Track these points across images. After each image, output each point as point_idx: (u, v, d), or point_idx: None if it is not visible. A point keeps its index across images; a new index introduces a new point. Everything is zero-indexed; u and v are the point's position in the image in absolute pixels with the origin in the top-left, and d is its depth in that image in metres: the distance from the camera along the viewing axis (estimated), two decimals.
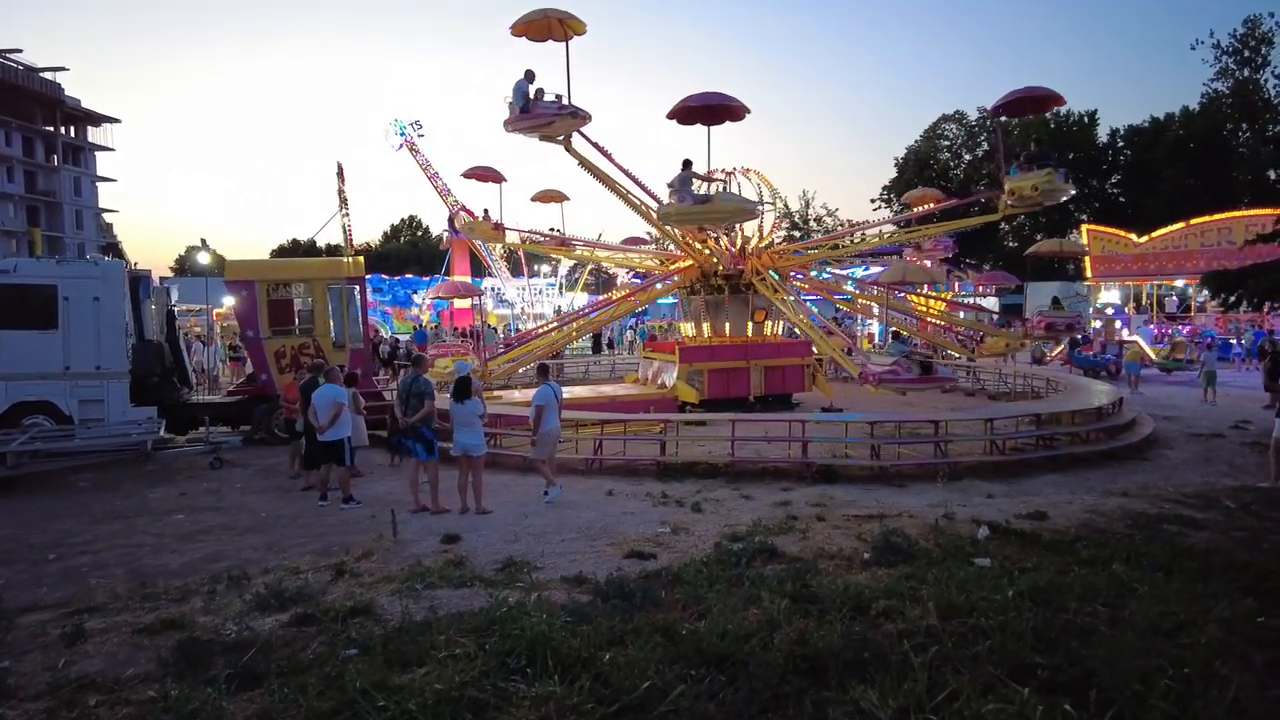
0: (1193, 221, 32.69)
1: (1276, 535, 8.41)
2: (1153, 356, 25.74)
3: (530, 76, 15.39)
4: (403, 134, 47.31)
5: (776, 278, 18.98)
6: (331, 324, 15.54)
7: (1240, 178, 46.42)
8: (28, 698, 4.67)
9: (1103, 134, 60.16)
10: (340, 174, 32.86)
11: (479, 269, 49.46)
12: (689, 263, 19.69)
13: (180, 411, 15.26)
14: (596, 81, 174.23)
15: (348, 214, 36.32)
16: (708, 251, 19.20)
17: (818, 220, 66.56)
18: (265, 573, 7.43)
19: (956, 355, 21.46)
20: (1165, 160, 52.83)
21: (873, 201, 65.62)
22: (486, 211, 21.69)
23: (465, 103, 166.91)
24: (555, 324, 22.91)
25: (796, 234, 63.86)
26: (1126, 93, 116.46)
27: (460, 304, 39.90)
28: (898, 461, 11.72)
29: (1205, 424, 16.42)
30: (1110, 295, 32.66)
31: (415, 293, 47.31)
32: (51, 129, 60.09)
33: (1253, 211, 30.94)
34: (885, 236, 27.36)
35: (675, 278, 20.53)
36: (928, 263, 24.56)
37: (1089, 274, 35.62)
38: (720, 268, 18.95)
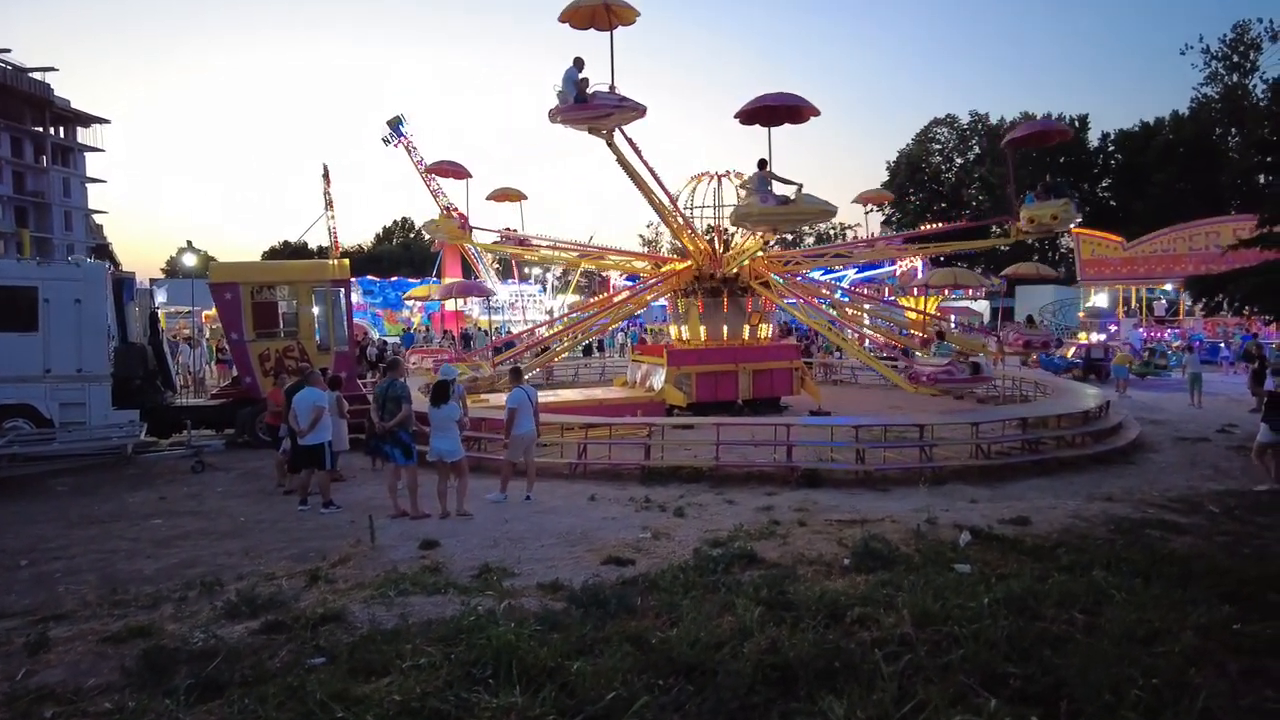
0: (1181, 226, 32.84)
1: (1259, 540, 8.40)
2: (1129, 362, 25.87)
3: (579, 64, 14.64)
4: (399, 132, 47.35)
5: (780, 282, 19.06)
6: (317, 327, 15.46)
7: (1229, 182, 46.69)
8: None
9: (1094, 138, 60.47)
10: (326, 176, 32.74)
11: (471, 272, 49.34)
12: (684, 265, 19.66)
13: (163, 414, 15.15)
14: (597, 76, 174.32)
15: (333, 216, 36.21)
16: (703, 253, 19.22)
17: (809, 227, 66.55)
18: (239, 579, 7.35)
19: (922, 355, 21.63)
20: (1155, 164, 53.13)
21: (865, 205, 65.67)
22: (451, 209, 21.31)
23: (464, 102, 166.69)
24: (564, 327, 22.70)
25: (789, 238, 63.92)
26: (1117, 97, 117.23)
27: (451, 307, 39.78)
28: (883, 466, 11.70)
29: (1192, 428, 16.46)
30: (1099, 299, 32.73)
31: (406, 294, 47.17)
32: (40, 129, 59.68)
33: (1240, 216, 31.12)
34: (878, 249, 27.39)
35: (663, 279, 20.50)
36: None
37: (1079, 278, 35.73)
38: (722, 272, 18.92)
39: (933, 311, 27.66)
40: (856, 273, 36.41)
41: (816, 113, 16.23)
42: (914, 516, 9.20)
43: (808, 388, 19.22)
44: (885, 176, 64.48)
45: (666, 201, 18.06)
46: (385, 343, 27.86)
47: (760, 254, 20.02)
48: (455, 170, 20.64)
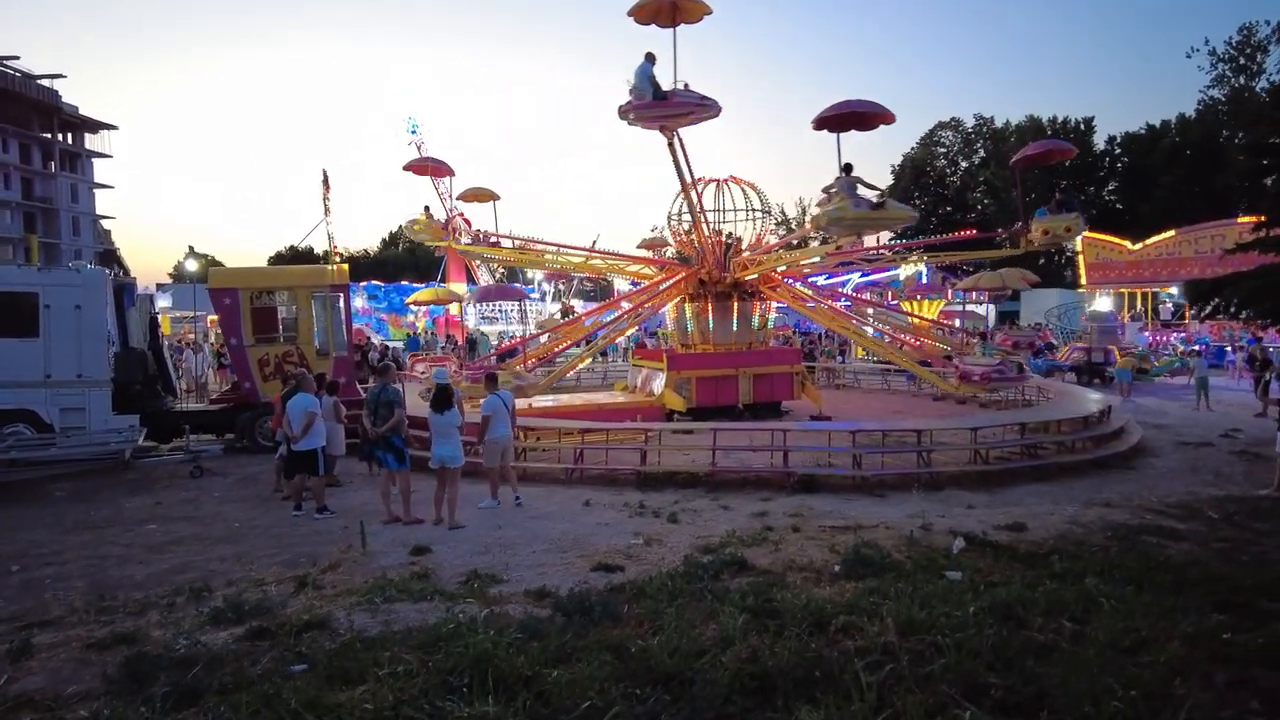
0: (1186, 229, 32.66)
1: (1257, 546, 8.32)
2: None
3: (652, 60, 14.25)
4: (414, 132, 47.66)
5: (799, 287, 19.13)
6: (316, 331, 15.48)
7: (1230, 184, 46.47)
8: None
9: (1099, 141, 60.26)
10: (325, 182, 32.82)
11: (512, 275, 49.13)
12: (686, 270, 19.60)
13: (163, 420, 15.19)
14: (597, 76, 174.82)
15: (332, 222, 36.32)
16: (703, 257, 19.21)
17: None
18: (229, 585, 7.35)
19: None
20: (1162, 167, 52.91)
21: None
22: (428, 209, 19.11)
23: (465, 102, 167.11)
24: (584, 333, 22.45)
25: (793, 242, 63.86)
26: (1123, 100, 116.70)
27: (455, 312, 39.76)
28: (880, 471, 11.64)
29: (1195, 432, 16.33)
30: (1102, 303, 32.56)
31: (409, 299, 47.27)
32: (48, 135, 60.16)
33: (1246, 219, 30.91)
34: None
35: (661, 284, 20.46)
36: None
37: (1083, 281, 35.56)
38: (733, 277, 18.87)
39: (934, 317, 27.55)
40: (860, 278, 36.29)
41: (891, 119, 15.84)
42: (909, 523, 9.16)
43: (809, 392, 19.13)
44: (890, 180, 64.40)
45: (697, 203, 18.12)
46: (387, 348, 27.86)
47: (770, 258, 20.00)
48: (436, 168, 19.43)
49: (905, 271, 35.66)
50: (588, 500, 10.59)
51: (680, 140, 16.03)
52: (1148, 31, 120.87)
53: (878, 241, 28.09)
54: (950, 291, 33.12)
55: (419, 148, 47.29)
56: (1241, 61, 50.57)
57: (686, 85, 14.40)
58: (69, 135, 62.86)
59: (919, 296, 30.60)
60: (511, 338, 34.37)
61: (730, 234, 20.22)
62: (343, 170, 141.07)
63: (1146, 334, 30.77)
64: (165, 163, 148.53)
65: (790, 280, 20.70)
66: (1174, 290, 34.12)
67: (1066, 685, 4.22)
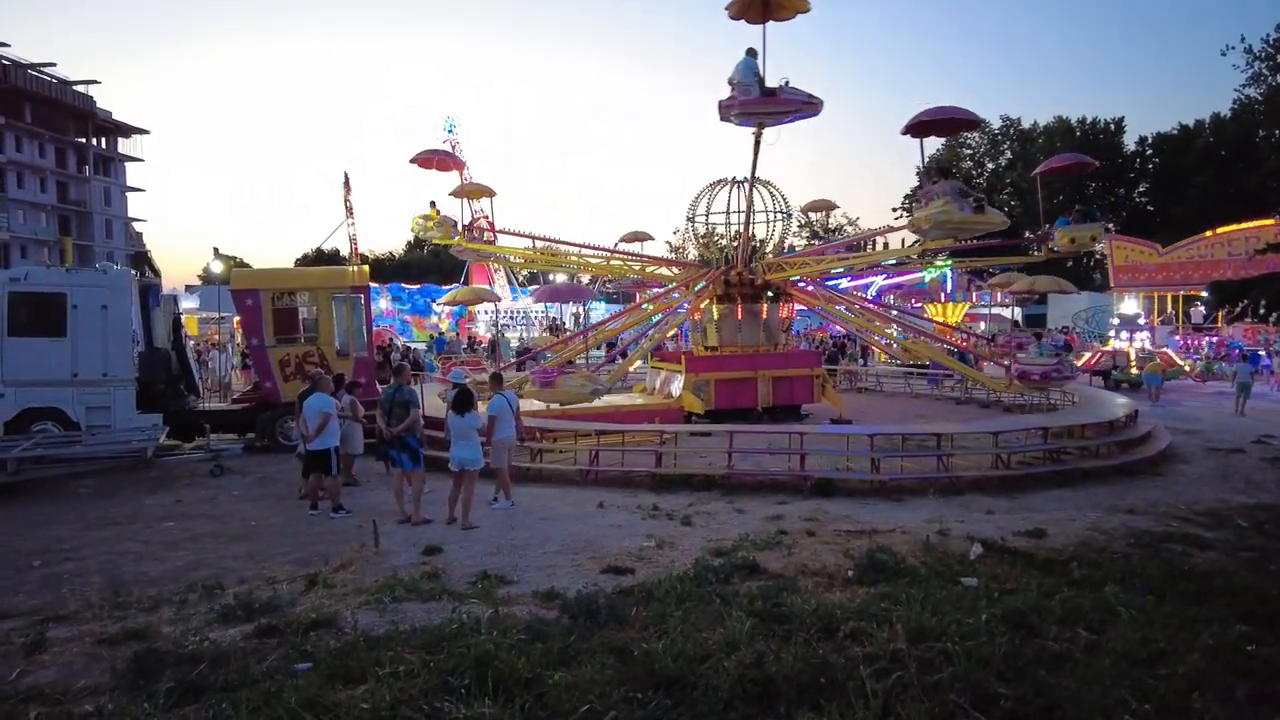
0: (1219, 231, 31.94)
1: None
2: (1134, 370, 25.31)
3: (754, 55, 14.18)
4: (450, 131, 48.20)
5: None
6: (336, 332, 15.61)
7: (1269, 184, 45.30)
8: None
9: (1130, 142, 59.21)
10: (346, 184, 33.15)
11: (508, 278, 49.42)
12: (709, 271, 19.49)
13: (186, 419, 15.39)
14: (607, 74, 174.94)
15: (354, 223, 36.69)
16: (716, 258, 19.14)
17: (838, 230, 66.04)
18: (241, 582, 7.41)
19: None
20: (1195, 168, 51.81)
21: (894, 210, 65.09)
22: (434, 204, 18.32)
23: (465, 100, 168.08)
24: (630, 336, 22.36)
25: (816, 243, 63.49)
26: (1155, 100, 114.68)
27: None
28: (898, 476, 11.47)
29: (1226, 438, 15.93)
30: (1129, 305, 31.92)
31: (434, 301, 47.59)
32: (83, 140, 61.43)
33: (1268, 221, 30.21)
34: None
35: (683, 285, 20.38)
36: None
37: (1111, 284, 34.94)
38: (764, 278, 18.78)
39: (958, 320, 27.24)
40: (884, 280, 35.97)
41: (976, 125, 15.83)
42: (926, 528, 9.02)
43: (829, 395, 18.97)
44: (915, 181, 63.78)
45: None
46: (408, 349, 28.09)
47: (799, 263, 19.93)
48: (442, 160, 18.46)
49: (930, 275, 35.28)
50: (602, 502, 10.55)
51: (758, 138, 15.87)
52: (1180, 30, 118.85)
53: (902, 244, 27.83)
54: (975, 294, 32.72)
55: (454, 146, 47.67)
56: (1279, 59, 49.33)
57: (787, 82, 14.30)
58: (103, 140, 64.14)
59: (943, 299, 30.22)
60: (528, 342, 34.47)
61: (754, 235, 20.16)
62: (370, 173, 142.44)
63: (1177, 338, 30.12)
64: (196, 166, 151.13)
65: (804, 283, 20.49)
66: (1206, 294, 33.35)
67: (1079, 697, 4.11)
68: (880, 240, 28.67)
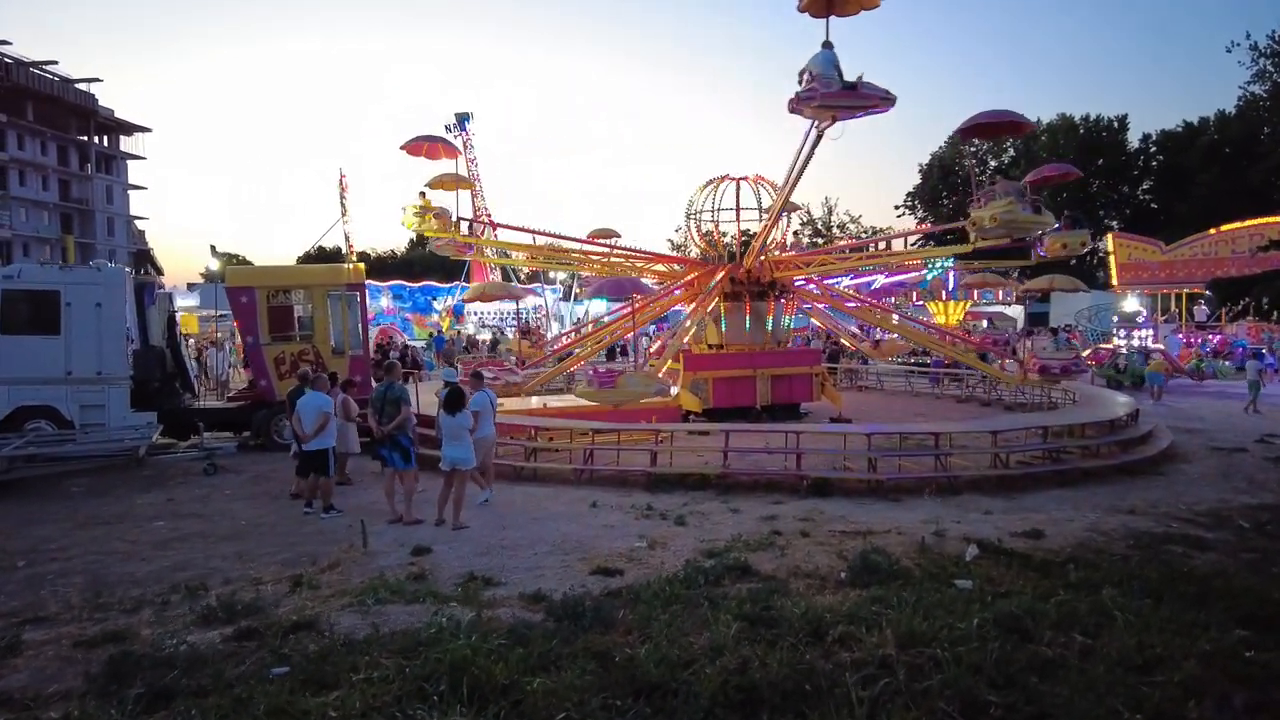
0: (1223, 228, 31.74)
1: None
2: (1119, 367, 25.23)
3: (829, 47, 14.14)
4: (464, 126, 48.23)
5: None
6: (331, 330, 15.51)
7: (1277, 181, 45.00)
8: None
9: (1134, 139, 58.96)
10: (342, 181, 33.04)
11: (506, 276, 49.30)
12: (724, 268, 19.36)
13: (181, 417, 15.32)
14: (608, 73, 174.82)
15: (349, 221, 36.57)
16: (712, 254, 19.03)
17: (841, 227, 65.91)
18: (226, 583, 7.32)
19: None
20: (1199, 165, 51.55)
21: (896, 208, 64.92)
22: (424, 194, 16.93)
23: (465, 99, 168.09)
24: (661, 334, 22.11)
25: (820, 240, 63.33)
26: (1159, 97, 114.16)
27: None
28: (895, 475, 11.35)
29: (1229, 437, 15.78)
30: (1130, 304, 31.76)
31: (435, 299, 47.50)
32: (85, 138, 61.47)
33: (1270, 219, 30.01)
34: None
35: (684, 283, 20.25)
36: None
37: (1114, 282, 34.76)
38: (771, 276, 18.69)
39: (959, 318, 27.12)
40: (886, 278, 35.85)
41: (1030, 128, 16.67)
42: (922, 528, 8.90)
43: (828, 394, 18.85)
44: (917, 179, 63.60)
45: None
46: (408, 348, 27.99)
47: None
48: (432, 148, 17.16)
49: (932, 273, 35.20)
50: (595, 502, 10.43)
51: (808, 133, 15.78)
52: (1184, 27, 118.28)
53: (905, 245, 27.76)
54: (977, 293, 32.62)
55: (466, 144, 47.55)
56: None
57: (862, 76, 14.27)
58: (105, 138, 64.19)
59: (944, 298, 30.09)
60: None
61: (748, 232, 20.10)
62: (370, 171, 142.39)
63: (1180, 336, 29.94)
64: (199, 164, 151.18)
65: (804, 281, 20.39)
66: (1209, 292, 33.20)
67: (1071, 705, 3.99)
68: (896, 242, 28.44)
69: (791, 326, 22.50)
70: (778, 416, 17.90)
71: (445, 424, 9.32)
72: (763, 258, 18.96)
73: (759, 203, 19.52)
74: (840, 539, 8.44)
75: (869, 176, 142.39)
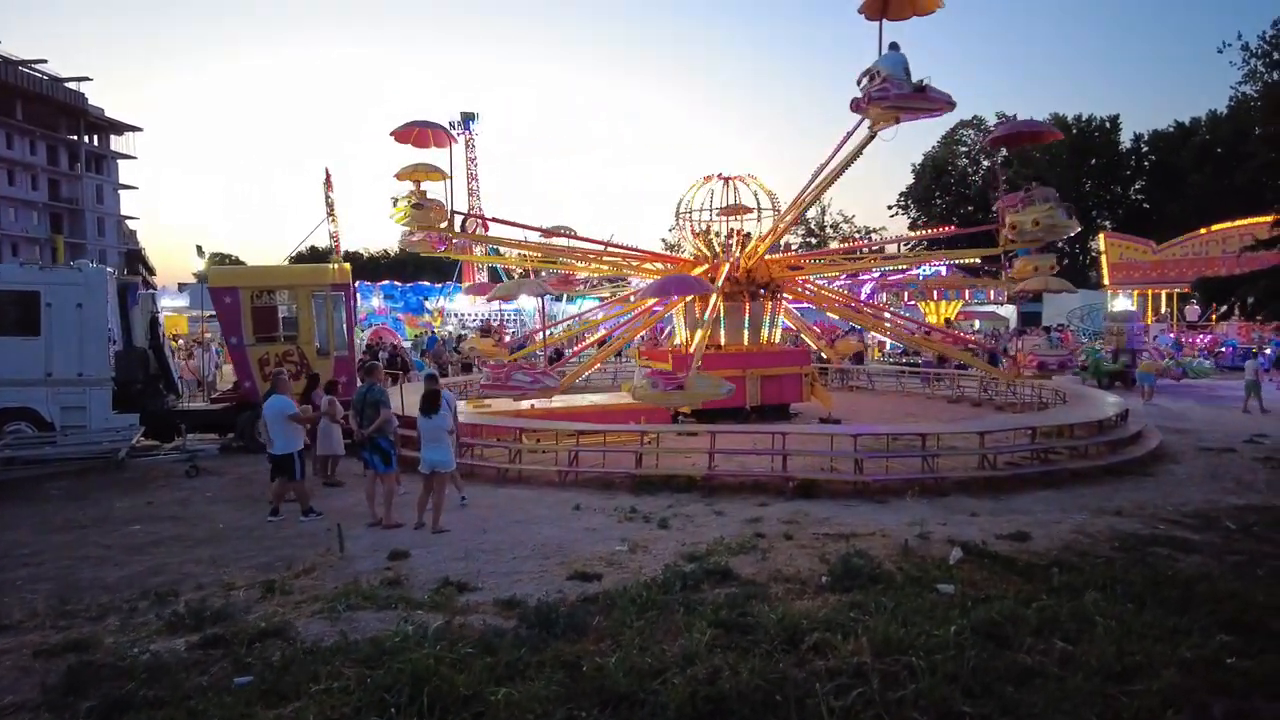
0: (1213, 228, 31.76)
1: (1275, 560, 7.87)
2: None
3: (896, 48, 14.26)
4: (468, 126, 48.06)
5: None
6: (317, 331, 15.36)
7: (1265, 181, 45.06)
8: None
9: (1126, 139, 59.03)
10: (328, 180, 32.81)
11: (495, 275, 49.09)
12: (705, 266, 19.28)
13: (165, 419, 15.16)
14: (606, 75, 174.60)
15: (335, 220, 36.35)
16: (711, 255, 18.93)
17: (834, 227, 65.89)
18: (198, 588, 7.20)
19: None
20: (1191, 165, 51.63)
21: (889, 208, 64.90)
22: (417, 183, 15.74)
23: (464, 101, 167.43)
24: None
25: (813, 240, 63.30)
26: (1151, 97, 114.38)
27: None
28: (882, 477, 11.24)
29: (1218, 437, 15.72)
30: (1119, 303, 31.74)
31: (427, 299, 47.30)
32: (75, 137, 61.08)
33: (1255, 219, 30.00)
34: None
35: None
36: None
37: (1105, 282, 34.76)
38: (766, 275, 18.63)
39: (951, 317, 27.07)
40: (879, 277, 35.80)
41: (1057, 137, 17.67)
42: (907, 530, 8.82)
43: (818, 394, 18.75)
44: (910, 179, 63.61)
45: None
46: (397, 349, 27.80)
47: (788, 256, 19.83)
48: (421, 133, 15.74)
49: (925, 272, 35.09)
50: (578, 504, 10.31)
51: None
52: (1176, 27, 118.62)
53: (899, 248, 27.75)
54: (969, 292, 32.57)
55: (468, 143, 47.29)
56: (1276, 57, 49.03)
57: (928, 80, 14.35)
58: (95, 137, 63.80)
59: (936, 298, 30.04)
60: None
61: (749, 233, 20.02)
62: (365, 172, 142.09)
63: (1171, 335, 29.95)
64: (193, 163, 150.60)
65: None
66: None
67: (1046, 716, 3.90)
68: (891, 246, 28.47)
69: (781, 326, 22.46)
70: (767, 417, 17.81)
71: (424, 426, 9.20)
72: (768, 257, 18.96)
73: (757, 201, 19.45)
74: (823, 542, 8.34)
75: (861, 176, 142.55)
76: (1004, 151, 57.30)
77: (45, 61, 57.53)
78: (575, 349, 23.89)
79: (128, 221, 68.85)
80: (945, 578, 6.83)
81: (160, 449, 15.20)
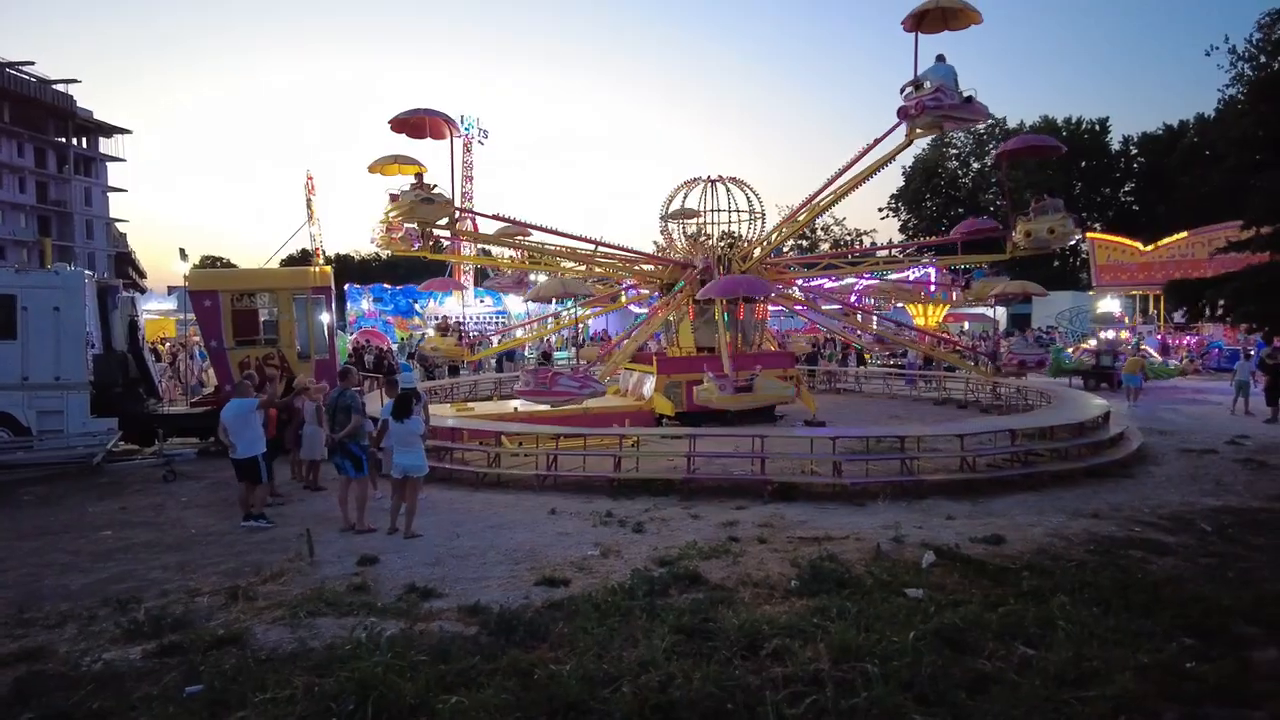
0: (1199, 230, 31.90)
1: (1246, 562, 7.86)
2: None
3: (943, 60, 14.81)
4: (468, 130, 47.64)
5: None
6: (298, 334, 15.26)
7: (1240, 185, 45.27)
8: None
9: (1115, 141, 59.23)
10: (309, 184, 32.64)
11: (482, 276, 48.88)
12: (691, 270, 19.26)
13: (145, 423, 15.04)
14: (604, 76, 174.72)
15: (317, 221, 36.20)
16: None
17: (825, 229, 65.94)
18: (163, 595, 7.11)
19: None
20: (1180, 167, 51.82)
21: (880, 210, 64.99)
22: (420, 179, 15.17)
23: (463, 104, 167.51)
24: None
25: (804, 243, 63.29)
26: (1140, 100, 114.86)
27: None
28: (860, 480, 11.20)
29: (1200, 439, 15.74)
30: (1107, 304, 31.84)
31: (417, 302, 47.14)
32: (63, 140, 60.75)
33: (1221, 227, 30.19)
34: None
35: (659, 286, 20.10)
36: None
37: (1093, 283, 34.86)
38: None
39: (938, 320, 27.03)
40: (868, 280, 35.82)
41: (1061, 152, 18.25)
42: (882, 534, 8.79)
43: (803, 397, 18.74)
44: (900, 181, 63.74)
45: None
46: (382, 350, 27.68)
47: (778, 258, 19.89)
48: (418, 121, 15.20)
49: (914, 275, 35.10)
50: (554, 509, 10.25)
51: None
52: (1165, 30, 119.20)
53: (889, 244, 27.72)
54: (955, 294, 32.60)
55: (466, 146, 46.96)
56: (1262, 60, 49.30)
57: (973, 92, 14.98)
58: (83, 139, 63.44)
59: (924, 299, 30.01)
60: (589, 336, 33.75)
61: (738, 234, 20.03)
62: (360, 174, 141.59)
63: (1158, 337, 30.02)
64: (183, 166, 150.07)
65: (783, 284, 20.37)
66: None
67: None
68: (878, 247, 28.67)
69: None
70: (752, 420, 17.80)
71: (395, 430, 9.11)
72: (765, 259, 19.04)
73: (738, 204, 19.45)
74: (797, 545, 8.30)
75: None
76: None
77: (33, 63, 57.26)
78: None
79: (117, 224, 68.46)
80: (915, 582, 6.80)
81: (141, 453, 15.08)
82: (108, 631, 6.04)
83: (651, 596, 6.40)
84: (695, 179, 19.76)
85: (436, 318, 41.87)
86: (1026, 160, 51.89)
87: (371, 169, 15.77)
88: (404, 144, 16.13)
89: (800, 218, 19.78)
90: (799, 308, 23.50)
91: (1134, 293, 33.71)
